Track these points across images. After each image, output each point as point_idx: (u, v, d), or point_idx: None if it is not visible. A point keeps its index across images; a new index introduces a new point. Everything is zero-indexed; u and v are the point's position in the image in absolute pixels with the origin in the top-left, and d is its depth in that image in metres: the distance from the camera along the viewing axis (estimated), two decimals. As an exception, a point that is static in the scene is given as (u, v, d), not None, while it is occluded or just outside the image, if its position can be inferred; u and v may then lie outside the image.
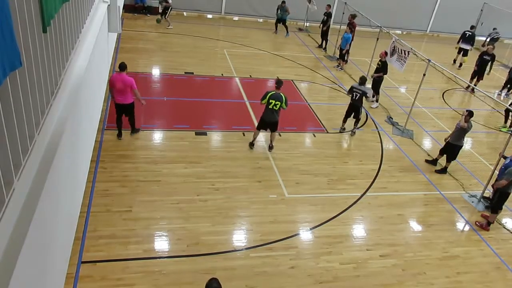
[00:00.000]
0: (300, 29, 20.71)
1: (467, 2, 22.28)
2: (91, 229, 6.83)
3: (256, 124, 10.10)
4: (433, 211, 8.72)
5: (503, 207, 8.47)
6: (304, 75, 14.85)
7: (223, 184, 8.45)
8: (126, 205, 7.48)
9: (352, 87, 10.72)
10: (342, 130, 11.14)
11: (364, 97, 10.62)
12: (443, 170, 9.99)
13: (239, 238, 7.25)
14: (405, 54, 11.93)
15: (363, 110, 11.07)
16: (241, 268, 6.59)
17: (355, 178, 9.35)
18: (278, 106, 9.25)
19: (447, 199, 9.11)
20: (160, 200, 7.74)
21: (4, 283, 2.12)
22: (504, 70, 18.53)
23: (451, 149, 9.80)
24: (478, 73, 15.46)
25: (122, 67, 8.74)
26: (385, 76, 12.97)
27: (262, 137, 10.14)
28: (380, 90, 13.18)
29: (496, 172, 8.71)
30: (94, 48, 5.50)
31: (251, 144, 9.79)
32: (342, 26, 17.02)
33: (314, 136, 10.91)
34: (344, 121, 11.08)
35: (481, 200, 9.10)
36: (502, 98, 15.63)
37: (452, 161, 9.92)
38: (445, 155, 10.01)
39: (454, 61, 18.70)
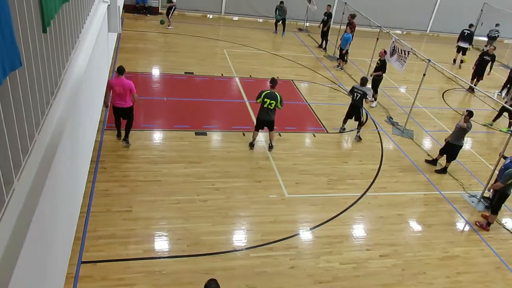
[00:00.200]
0: (300, 29, 20.71)
1: (467, 2, 22.29)
2: (91, 229, 6.83)
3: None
4: (433, 211, 8.72)
5: (503, 207, 8.48)
6: (304, 75, 14.85)
7: (223, 184, 8.45)
8: (126, 205, 7.48)
9: (353, 88, 10.71)
10: (342, 130, 11.14)
11: (364, 98, 10.60)
12: (443, 170, 9.99)
13: (239, 238, 7.25)
14: (405, 54, 11.93)
15: (363, 110, 11.04)
16: (241, 268, 6.59)
17: (355, 178, 9.35)
18: (273, 105, 9.24)
19: (447, 199, 9.11)
20: (160, 200, 7.74)
21: (4, 283, 2.12)
22: (504, 70, 18.53)
23: (451, 149, 9.80)
24: (478, 73, 15.45)
25: (121, 70, 8.59)
26: (385, 76, 12.98)
27: (262, 137, 10.14)
28: (379, 90, 13.19)
29: (496, 172, 8.71)
30: (94, 48, 5.50)
31: (251, 145, 9.79)
32: (342, 26, 17.03)
33: (314, 136, 10.92)
34: (345, 121, 11.07)
35: (481, 200, 9.10)
36: (503, 98, 15.63)
37: (452, 161, 9.92)
38: (445, 155, 10.01)
39: (454, 61, 18.72)
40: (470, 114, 9.47)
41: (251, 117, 11.17)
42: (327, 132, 11.15)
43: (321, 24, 17.85)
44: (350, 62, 16.38)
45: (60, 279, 3.92)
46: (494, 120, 13.07)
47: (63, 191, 3.87)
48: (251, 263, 6.71)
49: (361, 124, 10.82)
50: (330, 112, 12.35)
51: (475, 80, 15.43)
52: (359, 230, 7.89)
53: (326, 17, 17.52)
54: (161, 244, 6.84)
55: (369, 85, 11.47)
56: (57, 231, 3.60)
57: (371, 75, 13.09)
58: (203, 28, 18.44)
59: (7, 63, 2.11)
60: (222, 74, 13.87)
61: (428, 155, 10.68)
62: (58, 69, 3.99)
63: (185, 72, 13.60)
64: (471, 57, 17.68)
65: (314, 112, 12.15)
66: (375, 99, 13.00)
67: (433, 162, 10.27)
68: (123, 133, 9.21)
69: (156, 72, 13.57)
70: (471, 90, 15.67)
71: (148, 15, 19.09)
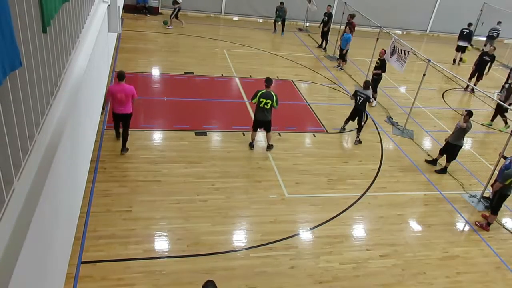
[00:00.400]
0: (300, 29, 20.71)
1: (467, 2, 22.29)
2: (91, 229, 6.83)
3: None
4: (433, 211, 8.72)
5: (503, 207, 8.47)
6: (304, 75, 14.86)
7: (223, 184, 8.45)
8: (126, 205, 7.48)
9: (356, 91, 10.67)
10: (342, 130, 11.12)
11: (367, 102, 10.55)
12: (443, 170, 9.99)
13: (239, 238, 7.25)
14: (405, 54, 11.93)
15: (365, 114, 10.99)
16: (241, 268, 6.59)
17: (355, 178, 9.35)
18: (269, 104, 9.20)
19: (447, 199, 9.11)
20: (160, 200, 7.74)
21: (4, 283, 2.12)
22: (504, 70, 18.53)
23: (451, 149, 9.80)
24: (477, 73, 15.45)
25: (121, 76, 8.30)
26: (385, 76, 12.99)
27: (262, 137, 10.14)
28: (379, 90, 13.19)
29: (496, 172, 8.71)
30: (94, 48, 5.50)
31: (251, 145, 9.78)
32: (342, 26, 17.04)
33: (314, 136, 10.92)
34: (346, 122, 11.02)
35: (481, 200, 9.10)
36: (497, 94, 15.62)
37: (452, 161, 9.93)
38: (445, 155, 10.01)
39: (454, 61, 18.74)
40: (469, 114, 9.47)
41: (251, 117, 11.15)
42: (327, 132, 11.15)
43: (321, 25, 17.85)
44: (350, 62, 16.39)
45: (60, 279, 3.92)
46: (492, 119, 13.08)
47: (63, 191, 3.87)
48: (251, 263, 6.71)
49: (360, 129, 10.77)
50: (330, 112, 12.35)
51: (475, 80, 15.43)
52: (359, 230, 7.89)
53: (326, 18, 17.52)
54: (161, 244, 6.84)
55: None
56: (57, 231, 3.60)
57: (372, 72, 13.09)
58: (203, 28, 18.45)
59: (7, 63, 2.11)
60: (222, 74, 13.88)
61: (428, 155, 10.68)
62: (58, 69, 3.99)
63: (185, 72, 13.60)
64: (471, 57, 17.68)
65: (314, 112, 12.15)
66: (375, 99, 13.00)
67: (433, 162, 10.27)
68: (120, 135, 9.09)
69: (156, 72, 13.58)
70: (471, 90, 15.67)
71: (148, 15, 19.09)
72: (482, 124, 13.03)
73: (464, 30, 18.14)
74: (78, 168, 4.85)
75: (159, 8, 19.70)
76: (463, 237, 8.21)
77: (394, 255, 7.34)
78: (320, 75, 15.10)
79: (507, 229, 8.50)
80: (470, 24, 18.70)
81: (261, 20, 21.22)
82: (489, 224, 8.34)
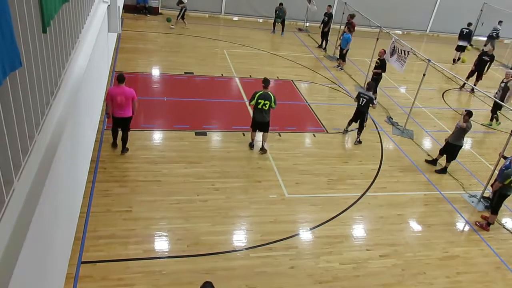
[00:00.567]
0: (300, 29, 20.71)
1: (467, 2, 22.29)
2: (91, 229, 6.83)
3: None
4: (433, 211, 8.72)
5: (503, 206, 8.47)
6: (304, 75, 14.86)
7: (223, 184, 8.45)
8: (126, 205, 7.48)
9: (359, 93, 10.65)
10: (345, 132, 11.06)
11: (370, 104, 10.51)
12: (443, 170, 9.99)
13: (239, 238, 7.25)
14: (405, 54, 11.93)
15: (368, 116, 10.94)
16: (241, 268, 6.59)
17: (355, 178, 9.35)
18: (267, 105, 9.13)
19: (447, 199, 9.11)
20: (160, 200, 7.74)
21: (4, 283, 2.12)
22: (504, 70, 18.50)
23: (451, 149, 9.80)
24: (477, 73, 15.46)
25: (121, 79, 8.15)
26: (385, 76, 12.99)
27: (261, 137, 10.12)
28: (379, 90, 13.19)
29: (496, 172, 8.71)
30: (94, 48, 5.50)
31: (251, 145, 9.76)
32: (342, 26, 17.04)
33: (314, 136, 10.92)
34: (349, 124, 10.94)
35: (481, 200, 9.10)
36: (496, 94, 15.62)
37: (452, 161, 9.93)
38: (445, 155, 10.01)
39: (454, 60, 18.76)
40: (469, 114, 9.47)
41: (251, 117, 11.15)
42: (327, 132, 11.15)
43: (322, 25, 17.85)
44: (350, 62, 16.38)
45: (60, 279, 3.92)
46: (491, 119, 13.08)
47: (63, 191, 3.88)
48: (251, 263, 6.71)
49: (361, 129, 10.76)
50: (330, 112, 12.35)
51: (475, 80, 15.43)
52: (359, 230, 7.89)
53: (326, 18, 17.52)
54: (161, 244, 6.84)
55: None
56: (57, 231, 3.60)
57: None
58: (203, 28, 18.45)
59: (7, 63, 2.11)
60: (222, 74, 13.88)
61: (428, 155, 10.68)
62: (58, 69, 3.99)
63: (185, 72, 13.60)
64: (471, 57, 17.68)
65: (314, 112, 12.15)
66: (375, 98, 12.99)
67: (433, 162, 10.27)
68: (119, 143, 8.89)
69: (156, 72, 13.58)
70: (471, 90, 15.67)
71: (148, 15, 19.08)
72: (482, 124, 13.03)
73: (463, 29, 18.19)
74: (78, 168, 4.85)
75: (159, 8, 19.70)
76: (463, 237, 8.21)
77: (394, 255, 7.34)
78: (320, 75, 15.11)
79: (507, 229, 8.50)
80: (470, 24, 18.73)
81: (261, 20, 21.22)
82: (489, 224, 8.34)
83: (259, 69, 14.76)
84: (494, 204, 8.31)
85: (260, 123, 9.41)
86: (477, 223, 8.46)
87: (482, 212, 8.83)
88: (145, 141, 9.53)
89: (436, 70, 15.98)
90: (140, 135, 9.61)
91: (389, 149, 10.82)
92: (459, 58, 18.75)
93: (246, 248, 7.02)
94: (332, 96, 13.67)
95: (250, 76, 14.02)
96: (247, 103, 11.99)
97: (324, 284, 6.56)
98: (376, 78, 12.81)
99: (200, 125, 10.53)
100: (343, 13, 17.07)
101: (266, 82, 9.24)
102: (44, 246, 3.08)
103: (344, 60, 15.80)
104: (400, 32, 22.78)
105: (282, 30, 19.10)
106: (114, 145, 8.92)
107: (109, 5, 8.12)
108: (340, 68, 15.81)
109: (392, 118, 12.34)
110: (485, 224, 8.36)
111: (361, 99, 10.47)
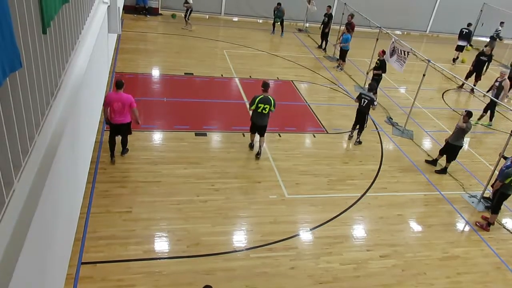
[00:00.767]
0: (299, 30, 20.73)
1: (467, 3, 22.30)
2: (91, 230, 6.82)
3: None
4: (433, 211, 8.72)
5: (503, 207, 8.47)
6: (304, 76, 14.86)
7: (223, 184, 8.45)
8: (126, 206, 7.48)
9: (360, 94, 10.62)
10: (351, 137, 10.98)
11: (371, 105, 10.46)
12: (443, 171, 9.99)
13: (239, 238, 7.25)
14: (404, 54, 11.94)
15: (368, 117, 10.91)
16: (241, 269, 6.58)
17: (355, 179, 9.35)
18: (267, 109, 9.00)
19: (447, 199, 9.11)
20: (160, 201, 7.74)
21: (4, 284, 2.12)
22: (504, 71, 18.50)
23: (451, 149, 9.80)
24: (476, 74, 15.47)
25: (120, 85, 7.96)
26: (385, 76, 12.99)
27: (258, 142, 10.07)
28: (379, 90, 13.18)
29: (496, 172, 8.71)
30: (94, 49, 5.50)
31: (251, 145, 9.74)
32: (342, 27, 17.05)
33: (314, 136, 10.91)
34: (354, 127, 10.85)
35: (481, 200, 9.10)
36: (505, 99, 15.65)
37: (452, 162, 9.93)
38: (445, 156, 10.01)
39: (454, 60, 18.82)
40: (469, 114, 9.48)
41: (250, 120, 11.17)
42: (327, 133, 11.15)
43: (322, 26, 17.86)
44: (350, 63, 16.39)
45: (60, 280, 3.92)
46: (491, 119, 13.08)
47: (63, 192, 3.87)
48: (251, 264, 6.71)
49: (361, 130, 10.75)
50: (330, 112, 12.36)
51: (474, 81, 15.43)
52: (359, 231, 7.89)
53: (326, 18, 17.53)
54: (161, 245, 6.83)
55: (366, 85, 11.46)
56: (57, 231, 3.60)
57: (367, 72, 13.05)
58: (203, 29, 18.45)
59: (7, 64, 2.11)
60: (222, 75, 13.88)
61: (428, 155, 10.68)
62: (58, 70, 3.99)
63: (185, 73, 13.60)
64: (471, 58, 17.68)
65: (314, 113, 12.15)
66: (375, 99, 13.00)
67: (433, 162, 10.27)
68: (117, 155, 8.65)
69: (156, 72, 13.58)
70: (470, 91, 15.67)
71: (148, 16, 19.09)
72: (481, 125, 13.03)
73: (463, 30, 18.25)
74: (78, 169, 4.85)
75: (159, 9, 19.71)
76: (463, 237, 8.20)
77: (394, 256, 7.34)
78: (320, 75, 15.11)
79: (507, 229, 8.50)
80: (469, 24, 18.78)
81: (260, 21, 21.23)
82: (489, 224, 8.34)
83: (259, 69, 14.77)
84: (494, 204, 8.32)
85: (259, 127, 9.33)
86: (477, 223, 8.46)
87: (482, 212, 8.83)
88: (145, 142, 9.53)
89: (435, 71, 15.96)
90: (140, 136, 9.61)
91: (389, 149, 10.82)
92: (457, 57, 18.81)
93: (246, 249, 7.02)
94: (332, 97, 13.67)
95: (250, 76, 14.03)
96: (247, 103, 11.98)
97: (325, 284, 6.55)
98: (376, 79, 12.81)
99: (200, 125, 10.53)
100: (343, 14, 17.08)
101: (266, 86, 9.09)
102: (44, 247, 3.08)
103: (344, 61, 15.80)
104: (400, 33, 22.80)
105: (282, 31, 19.12)
106: (112, 156, 8.47)
107: (109, 6, 8.13)
108: (340, 69, 15.81)
109: (392, 119, 12.35)
110: (485, 225, 8.36)
111: (362, 99, 10.45)
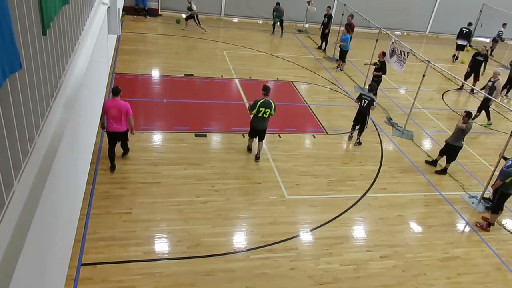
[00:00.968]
0: (299, 31, 20.74)
1: (466, 3, 22.32)
2: (91, 231, 6.82)
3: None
4: (433, 212, 8.72)
5: (504, 207, 8.47)
6: (304, 76, 14.87)
7: (223, 185, 8.45)
8: (126, 207, 7.48)
9: (361, 94, 10.62)
10: (350, 138, 11.01)
11: (371, 105, 10.45)
12: (443, 171, 9.99)
13: (239, 239, 7.25)
14: (404, 55, 11.94)
15: (369, 117, 10.90)
16: (241, 270, 6.58)
17: (355, 179, 9.35)
18: (268, 113, 8.96)
19: (447, 200, 9.11)
20: (160, 202, 7.74)
21: (4, 286, 2.12)
22: (504, 71, 18.53)
23: (450, 150, 9.80)
24: (473, 74, 15.48)
25: (116, 91, 7.91)
26: (384, 77, 12.99)
27: (257, 146, 10.00)
28: (378, 91, 13.19)
29: (496, 173, 8.71)
30: (93, 50, 5.51)
31: (249, 148, 9.70)
32: (342, 27, 17.06)
33: (314, 137, 10.91)
34: (353, 128, 10.87)
35: (481, 201, 9.10)
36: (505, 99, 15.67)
37: (452, 162, 9.92)
38: (445, 156, 10.01)
39: (455, 57, 18.90)
40: (468, 115, 9.48)
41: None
42: (327, 133, 11.15)
43: (322, 26, 17.87)
44: (350, 63, 16.39)
45: (60, 281, 3.91)
46: (488, 118, 13.09)
47: (63, 193, 3.87)
48: (251, 265, 6.70)
49: (362, 130, 10.75)
50: (329, 113, 12.36)
51: (472, 81, 15.44)
52: (359, 231, 7.88)
53: (326, 19, 17.53)
54: (161, 246, 6.83)
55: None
56: (57, 233, 3.60)
57: (365, 64, 12.91)
58: (202, 30, 18.45)
59: (7, 65, 2.11)
60: (222, 76, 13.88)
61: (428, 156, 10.68)
62: (58, 71, 3.99)
63: (185, 74, 13.61)
64: (469, 58, 17.68)
65: (314, 114, 12.15)
66: (375, 100, 13.00)
67: (433, 163, 10.27)
68: (117, 164, 8.46)
69: (156, 73, 13.59)
70: (470, 91, 15.68)
71: (148, 17, 19.10)
72: (481, 125, 13.03)
73: (463, 29, 18.30)
74: (78, 170, 4.84)
75: (159, 10, 19.72)
76: (464, 238, 8.20)
77: (394, 256, 7.34)
78: (319, 76, 15.11)
79: (508, 230, 8.50)
80: (470, 24, 18.85)
81: (260, 22, 21.25)
82: (489, 225, 8.34)
83: (259, 70, 14.77)
84: (494, 204, 8.31)
85: (259, 131, 9.26)
86: (477, 224, 8.46)
87: (482, 213, 8.82)
88: (145, 143, 9.53)
89: (435, 71, 15.96)
90: (140, 136, 9.60)
91: (389, 150, 10.82)
92: (457, 58, 18.85)
93: (246, 250, 7.02)
94: (331, 97, 13.67)
95: (250, 77, 14.03)
96: (247, 105, 11.97)
97: (325, 285, 6.55)
98: (376, 80, 12.81)
99: (200, 126, 10.53)
100: (343, 14, 17.09)
101: (267, 89, 8.98)
102: (44, 248, 3.08)
103: (343, 61, 15.81)
104: (400, 33, 22.81)
105: (282, 31, 19.13)
106: (112, 168, 8.34)
107: (108, 7, 8.13)
108: (340, 69, 15.82)
109: (392, 119, 12.35)
110: (486, 225, 8.35)
111: (363, 100, 10.46)
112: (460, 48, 18.66)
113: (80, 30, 5.39)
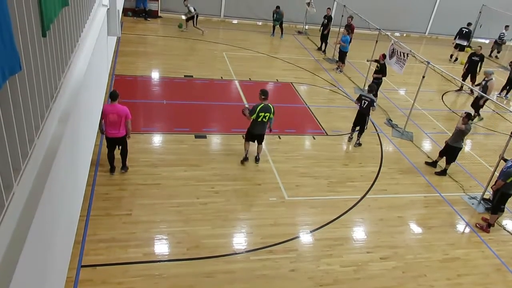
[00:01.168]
0: (299, 32, 20.75)
1: (466, 4, 22.34)
2: (91, 232, 6.81)
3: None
4: (433, 213, 8.71)
5: (505, 209, 8.46)
6: (304, 78, 14.87)
7: (222, 187, 8.44)
8: (126, 209, 7.47)
9: (360, 95, 10.62)
10: (350, 139, 11.00)
11: (371, 106, 10.43)
12: (443, 172, 9.99)
13: (239, 241, 7.24)
14: (404, 56, 11.95)
15: (369, 118, 10.88)
16: (241, 271, 6.57)
17: (355, 181, 9.34)
18: (267, 117, 8.84)
19: (447, 201, 9.10)
20: (160, 203, 7.73)
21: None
22: (503, 72, 18.55)
23: (450, 151, 9.80)
24: (470, 75, 15.50)
25: (114, 96, 7.73)
26: (384, 78, 12.99)
27: (257, 149, 9.97)
28: (379, 92, 13.19)
29: (496, 174, 8.71)
30: (93, 51, 5.51)
31: (245, 159, 9.29)
32: (341, 29, 17.06)
33: (314, 138, 10.92)
34: (353, 129, 10.85)
35: (481, 202, 9.10)
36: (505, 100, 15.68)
37: (451, 163, 9.92)
38: (444, 157, 10.00)
39: (451, 56, 18.95)
40: (468, 116, 9.48)
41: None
42: (327, 135, 11.15)
43: (321, 28, 17.88)
44: (349, 65, 16.40)
45: (60, 283, 3.91)
46: (478, 114, 13.10)
47: (63, 195, 3.87)
48: (252, 266, 6.70)
49: (362, 132, 10.73)
50: (329, 114, 12.36)
51: (470, 82, 15.46)
52: (359, 233, 7.88)
53: (326, 20, 17.55)
54: (161, 248, 6.82)
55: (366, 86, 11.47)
56: (57, 234, 3.59)
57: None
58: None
59: (7, 67, 2.11)
60: (221, 77, 13.89)
61: (428, 157, 10.67)
62: (57, 73, 3.99)
63: (184, 75, 13.61)
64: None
65: (314, 115, 12.15)
66: (375, 101, 13.00)
67: (433, 164, 10.26)
68: (116, 166, 8.45)
69: (155, 75, 13.59)
70: (469, 92, 15.69)
71: (149, 19, 19.11)
72: (475, 124, 13.01)
73: (463, 29, 18.35)
74: (78, 172, 4.84)
75: (158, 11, 19.74)
76: (464, 239, 8.20)
77: (394, 258, 7.33)
78: (319, 77, 15.12)
79: (507, 231, 8.49)
80: (469, 24, 18.90)
81: (260, 23, 21.26)
82: (489, 225, 8.34)
83: (258, 71, 14.78)
84: (494, 204, 8.31)
85: (258, 135, 9.16)
86: (477, 225, 8.45)
87: (482, 214, 8.82)
88: (145, 144, 9.53)
89: (435, 72, 15.99)
90: (139, 138, 9.60)
91: (389, 151, 10.82)
92: (456, 59, 18.88)
93: (247, 251, 7.01)
94: (331, 99, 13.68)
95: (250, 79, 14.04)
96: (246, 106, 11.95)
97: (325, 287, 6.54)
98: (376, 83, 12.81)
99: (199, 128, 10.53)
100: (342, 16, 17.10)
101: (266, 94, 8.80)
102: (44, 250, 3.08)
103: (343, 63, 15.82)
104: (399, 35, 22.83)
105: (281, 33, 19.15)
106: (112, 170, 8.32)
107: (108, 9, 8.14)
108: (340, 71, 15.83)
109: (391, 120, 12.35)
110: (486, 226, 8.35)
111: (362, 101, 10.46)
112: (460, 48, 18.69)
113: (80, 32, 5.39)
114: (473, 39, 20.91)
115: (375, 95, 12.88)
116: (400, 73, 12.45)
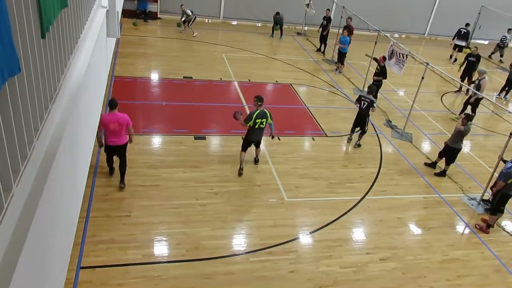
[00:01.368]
0: (298, 33, 20.77)
1: (465, 5, 22.37)
2: (90, 234, 6.81)
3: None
4: (433, 214, 8.72)
5: (504, 210, 8.47)
6: (303, 79, 14.88)
7: (222, 188, 8.44)
8: (125, 210, 7.47)
9: (360, 96, 10.62)
10: (350, 140, 11.01)
11: (371, 107, 10.42)
12: (443, 173, 10.00)
13: (239, 242, 7.24)
14: (403, 57, 11.97)
15: (369, 119, 10.87)
16: (241, 273, 6.57)
17: (355, 182, 9.35)
18: (264, 123, 8.69)
19: (447, 202, 9.11)
20: (159, 205, 7.73)
21: (2, 289, 2.11)
22: (502, 73, 18.58)
23: (450, 152, 9.81)
24: (467, 76, 15.51)
25: (113, 104, 7.52)
26: (384, 80, 12.99)
27: (263, 141, 10.03)
28: (378, 94, 13.19)
29: (496, 174, 8.71)
30: (92, 53, 5.51)
31: (240, 170, 8.95)
32: (341, 30, 17.08)
33: (313, 139, 10.92)
34: (352, 130, 10.84)
35: (481, 202, 9.10)
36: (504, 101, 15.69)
37: (451, 164, 9.93)
38: (444, 158, 10.01)
39: (451, 56, 18.99)
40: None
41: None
42: (326, 136, 11.16)
43: (320, 29, 17.91)
44: (348, 66, 16.42)
45: (59, 285, 3.91)
46: (461, 112, 13.11)
47: (62, 196, 3.87)
48: (251, 267, 6.69)
49: (363, 133, 10.73)
50: (329, 115, 12.36)
51: (468, 83, 15.47)
52: (358, 234, 7.88)
53: (325, 21, 17.57)
54: (161, 249, 6.82)
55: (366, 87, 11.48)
56: (56, 236, 3.59)
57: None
58: (202, 33, 18.47)
59: (6, 69, 2.11)
60: (221, 78, 13.90)
61: (427, 158, 10.68)
62: (57, 75, 3.99)
63: (184, 77, 13.62)
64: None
65: (313, 116, 12.16)
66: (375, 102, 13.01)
67: (432, 165, 10.27)
68: (115, 164, 8.29)
69: (155, 76, 13.59)
70: (466, 91, 15.71)
71: (149, 21, 19.11)
72: (455, 119, 13.00)
73: (461, 29, 18.41)
74: (77, 173, 4.84)
75: (158, 13, 19.75)
76: (463, 240, 8.20)
77: (394, 259, 7.33)
78: (319, 78, 15.13)
79: (507, 232, 8.49)
80: (468, 24, 18.94)
81: (259, 24, 21.28)
82: (489, 226, 8.34)
83: (258, 73, 14.79)
84: (494, 205, 8.30)
85: (254, 142, 9.07)
86: (477, 225, 8.45)
87: (482, 214, 8.82)
88: (144, 146, 9.52)
89: (434, 73, 16.02)
90: (139, 139, 9.60)
91: (388, 152, 10.83)
92: (455, 59, 18.92)
93: (246, 252, 7.01)
94: (331, 100, 13.68)
95: (249, 80, 14.04)
96: (246, 107, 11.99)
97: (324, 288, 6.54)
98: (376, 84, 12.81)
99: (199, 129, 10.53)
100: (341, 17, 17.12)
101: (261, 100, 8.61)
102: (43, 251, 3.07)
103: (342, 64, 15.83)
104: (398, 36, 22.86)
105: (281, 34, 19.18)
106: (111, 172, 8.29)
107: (107, 10, 8.14)
108: (339, 72, 15.84)
109: (391, 121, 12.36)
110: (485, 227, 8.35)
111: (362, 102, 10.46)
112: (459, 49, 18.73)
113: (79, 33, 5.40)
114: (472, 40, 20.95)
115: (375, 97, 12.90)
116: (399, 74, 12.46)
